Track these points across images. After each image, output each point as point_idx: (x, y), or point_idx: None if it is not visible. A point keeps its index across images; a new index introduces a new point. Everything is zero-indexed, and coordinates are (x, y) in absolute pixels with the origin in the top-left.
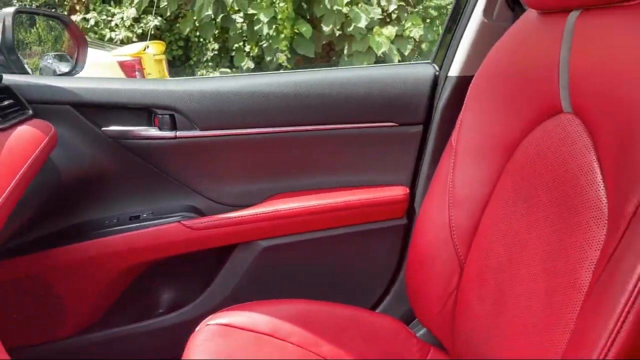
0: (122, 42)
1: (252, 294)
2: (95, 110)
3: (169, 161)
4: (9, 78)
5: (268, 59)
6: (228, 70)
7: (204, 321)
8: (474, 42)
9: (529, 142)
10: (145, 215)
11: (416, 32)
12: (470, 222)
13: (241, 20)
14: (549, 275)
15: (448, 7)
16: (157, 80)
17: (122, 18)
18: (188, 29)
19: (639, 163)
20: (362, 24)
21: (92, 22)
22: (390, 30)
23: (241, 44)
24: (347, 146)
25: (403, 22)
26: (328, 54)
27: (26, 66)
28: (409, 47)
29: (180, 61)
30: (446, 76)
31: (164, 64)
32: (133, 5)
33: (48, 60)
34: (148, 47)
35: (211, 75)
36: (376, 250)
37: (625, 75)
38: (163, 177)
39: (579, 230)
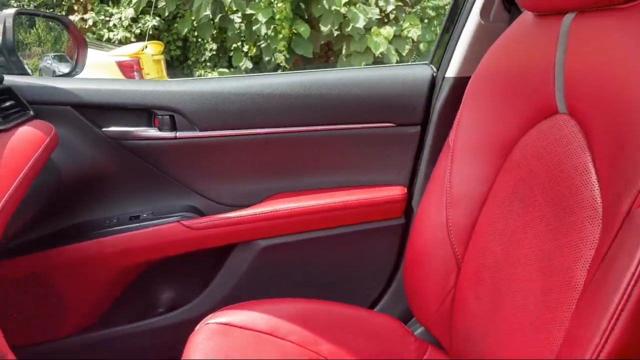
0: (120, 42)
1: (252, 293)
2: (96, 111)
3: (169, 161)
4: (10, 79)
5: (266, 59)
6: (226, 70)
7: (203, 320)
8: (471, 43)
9: (525, 143)
10: (145, 215)
11: (414, 32)
12: (467, 222)
13: (239, 20)
14: (545, 274)
15: (446, 7)
16: (157, 82)
17: (120, 18)
18: (186, 29)
19: (632, 163)
20: (360, 24)
21: (90, 22)
22: (388, 31)
23: (239, 44)
24: (345, 146)
25: (401, 22)
26: (326, 54)
27: (26, 67)
28: (407, 47)
29: (179, 61)
30: (443, 77)
31: (163, 64)
32: (131, 5)
33: (47, 61)
34: (146, 47)
35: (209, 75)
36: (374, 250)
37: (617, 77)
38: (163, 177)
39: (574, 229)
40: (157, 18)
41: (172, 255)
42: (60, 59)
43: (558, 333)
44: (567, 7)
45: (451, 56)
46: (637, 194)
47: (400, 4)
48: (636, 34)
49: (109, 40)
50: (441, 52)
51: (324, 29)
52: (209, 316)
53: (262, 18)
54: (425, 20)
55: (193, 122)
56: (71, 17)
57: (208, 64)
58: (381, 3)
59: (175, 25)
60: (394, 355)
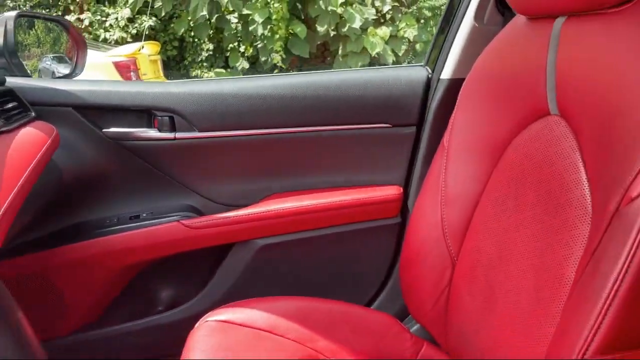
0: (117, 43)
1: (250, 291)
2: (96, 112)
3: (168, 162)
4: (12, 81)
5: (263, 59)
6: (223, 70)
7: (203, 318)
8: (465, 45)
9: (518, 143)
10: (144, 214)
11: (410, 33)
12: (461, 220)
13: (236, 20)
14: (537, 272)
15: (442, 7)
16: (156, 83)
17: (117, 18)
18: (183, 30)
19: (620, 163)
20: (357, 24)
21: (86, 22)
22: (384, 31)
23: (236, 44)
24: (342, 147)
25: (397, 22)
26: (323, 55)
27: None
28: (403, 47)
29: (175, 61)
30: (438, 78)
31: (159, 65)
32: (127, 5)
33: (47, 62)
34: (143, 47)
35: (206, 75)
36: (371, 249)
37: (606, 81)
38: (162, 177)
39: (565, 227)
40: (154, 18)
41: (171, 254)
42: (60, 60)
43: (549, 329)
44: (558, 11)
45: (446, 58)
46: (625, 193)
47: (396, 4)
48: (625, 38)
49: (105, 40)
50: (436, 54)
51: (321, 29)
52: (208, 314)
53: (258, 18)
54: (422, 21)
55: (192, 123)
56: (67, 18)
57: (204, 64)
58: (377, 3)
59: (172, 25)
60: (391, 352)
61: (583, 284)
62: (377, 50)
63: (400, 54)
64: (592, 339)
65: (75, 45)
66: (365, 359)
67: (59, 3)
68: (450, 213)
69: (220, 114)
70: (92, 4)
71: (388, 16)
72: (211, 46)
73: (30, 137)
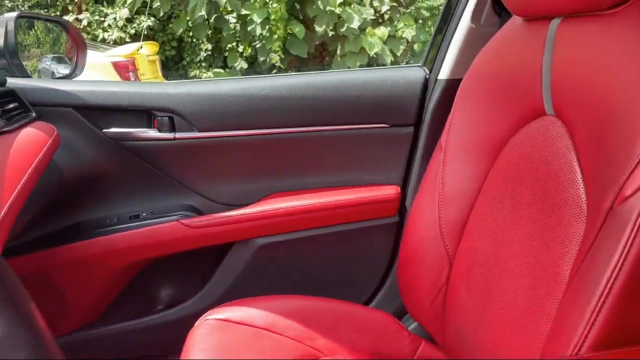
0: (115, 43)
1: (249, 290)
2: (97, 112)
3: (168, 162)
4: (13, 81)
5: (261, 59)
6: (221, 70)
7: (202, 316)
8: (463, 46)
9: (515, 143)
10: (145, 214)
11: (408, 33)
12: (459, 219)
13: (234, 20)
14: (534, 270)
15: (440, 7)
16: (156, 84)
17: (115, 18)
18: (181, 30)
19: (614, 162)
20: (355, 24)
21: (84, 22)
22: (382, 31)
23: (234, 44)
24: (341, 147)
25: (395, 22)
26: (321, 55)
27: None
28: (401, 47)
29: (174, 61)
30: (436, 79)
31: (158, 65)
32: (126, 5)
33: (46, 62)
34: (141, 47)
35: (204, 75)
36: (369, 248)
37: (602, 83)
38: (162, 177)
39: (560, 226)
40: (152, 18)
41: (171, 253)
42: (59, 60)
43: (545, 326)
44: (554, 13)
45: (443, 59)
46: (619, 192)
47: (394, 4)
48: (620, 40)
49: (103, 40)
50: (434, 55)
51: (319, 29)
52: (208, 312)
53: (257, 18)
54: (420, 21)
55: (192, 123)
56: (65, 18)
57: (203, 64)
58: (376, 3)
59: (170, 25)
60: (389, 350)
61: (578, 281)
62: (376, 50)
63: (398, 54)
64: (587, 336)
65: (75, 46)
66: (364, 358)
67: (57, 3)
68: (448, 212)
69: (220, 114)
70: (90, 4)
71: (386, 16)
72: (210, 46)
73: (31, 137)
